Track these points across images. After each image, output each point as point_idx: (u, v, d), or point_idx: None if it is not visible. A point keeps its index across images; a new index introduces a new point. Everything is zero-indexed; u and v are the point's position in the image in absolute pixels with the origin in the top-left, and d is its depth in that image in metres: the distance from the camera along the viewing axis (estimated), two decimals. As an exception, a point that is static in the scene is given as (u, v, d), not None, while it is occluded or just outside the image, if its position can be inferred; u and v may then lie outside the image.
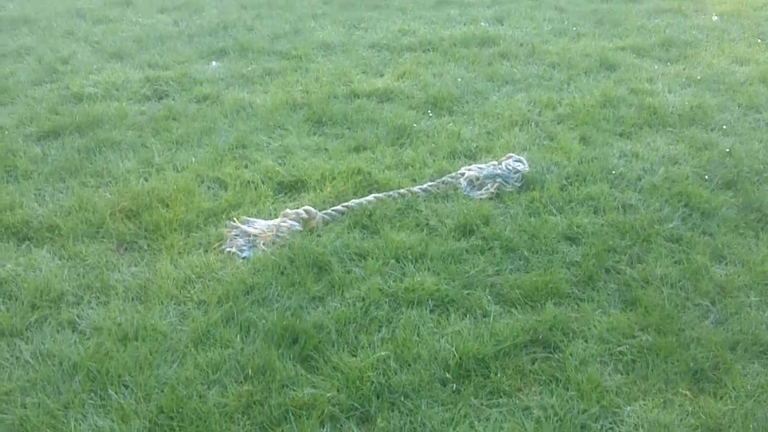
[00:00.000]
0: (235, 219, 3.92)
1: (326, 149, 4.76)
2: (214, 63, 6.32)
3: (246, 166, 4.54)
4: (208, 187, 4.32)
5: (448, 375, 2.90)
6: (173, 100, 5.62)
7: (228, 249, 3.73)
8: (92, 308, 3.32)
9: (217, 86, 5.82)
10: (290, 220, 3.91)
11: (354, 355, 2.99)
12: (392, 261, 3.59)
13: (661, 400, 2.81)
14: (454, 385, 2.86)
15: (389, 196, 4.17)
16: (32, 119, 5.29)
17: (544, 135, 4.94)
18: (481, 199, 4.21)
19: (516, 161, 4.46)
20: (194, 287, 3.43)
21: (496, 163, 4.45)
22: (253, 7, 7.79)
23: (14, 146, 4.86)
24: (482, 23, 7.08)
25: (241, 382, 2.88)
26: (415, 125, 5.06)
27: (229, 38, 6.88)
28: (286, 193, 4.28)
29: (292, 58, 6.35)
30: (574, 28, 6.90)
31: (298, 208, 4.00)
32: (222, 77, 6.00)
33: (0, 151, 4.77)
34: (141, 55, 6.52)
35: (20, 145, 4.89)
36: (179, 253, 3.69)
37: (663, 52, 6.34)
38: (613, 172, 4.42)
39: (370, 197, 4.15)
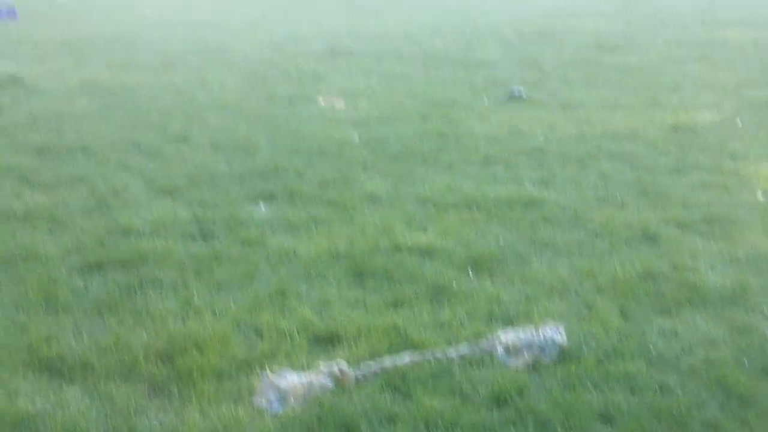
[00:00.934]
0: (268, 370, 3.87)
1: (365, 303, 4.74)
2: (262, 206, 6.39)
3: (283, 315, 4.52)
4: (244, 335, 4.30)
5: None
6: (219, 240, 5.67)
7: (258, 402, 3.68)
8: (116, 454, 3.26)
9: (263, 230, 5.87)
10: (323, 375, 3.86)
11: None
12: (422, 427, 3.51)
13: None
14: None
15: (424, 357, 4.11)
16: (78, 250, 5.35)
17: (582, 305, 4.88)
18: (516, 368, 4.14)
19: (554, 331, 4.40)
20: (220, 441, 3.37)
21: (533, 330, 4.39)
22: (305, 152, 7.92)
23: (57, 276, 4.91)
24: (527, 184, 7.12)
25: None
26: (454, 284, 5.04)
27: (278, 182, 6.98)
28: (320, 347, 4.24)
29: (339, 207, 6.41)
30: (618, 197, 6.90)
31: (331, 362, 3.96)
32: (268, 221, 6.05)
33: (42, 281, 4.81)
34: (191, 193, 6.63)
35: (63, 275, 4.94)
36: (209, 402, 3.64)
37: (706, 227, 6.30)
38: (652, 350, 4.33)
39: (405, 357, 4.10)
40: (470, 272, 5.27)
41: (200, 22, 18.04)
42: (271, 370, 3.87)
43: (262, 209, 6.35)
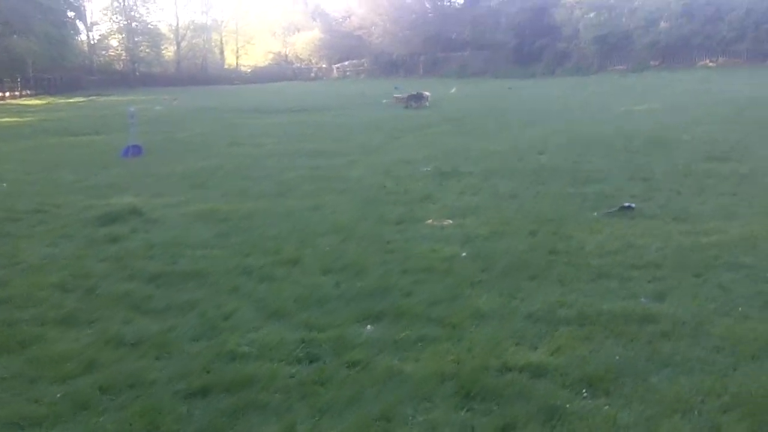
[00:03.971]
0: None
1: (473, 427, 4.45)
2: (369, 327, 6.20)
3: (388, 442, 4.27)
4: (347, 464, 4.05)
5: None
6: (324, 363, 5.49)
7: None
8: None
9: (370, 351, 5.66)
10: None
11: None
12: None
13: None
14: None
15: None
16: (184, 376, 5.25)
17: (708, 426, 4.46)
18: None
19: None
20: None
21: (655, 455, 4.00)
22: (413, 272, 7.74)
23: (161, 403, 4.79)
24: (642, 299, 6.73)
25: None
26: (568, 406, 4.70)
27: (386, 302, 6.79)
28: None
29: (447, 326, 6.16)
30: (740, 309, 6.44)
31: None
32: (375, 342, 5.84)
33: (146, 408, 4.69)
34: (300, 315, 6.50)
35: (168, 401, 4.81)
36: None
37: (837, 338, 5.78)
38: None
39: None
40: (585, 392, 4.92)
41: (315, 151, 18.35)
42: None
43: (369, 330, 6.14)
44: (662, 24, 58.24)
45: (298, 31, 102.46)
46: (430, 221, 10.22)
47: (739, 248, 8.40)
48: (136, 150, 18.19)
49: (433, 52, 78.23)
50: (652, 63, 58.80)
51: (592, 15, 62.06)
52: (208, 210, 11.16)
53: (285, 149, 19.10)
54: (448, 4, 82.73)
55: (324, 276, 7.76)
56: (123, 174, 15.30)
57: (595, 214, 10.44)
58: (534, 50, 68.30)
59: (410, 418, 4.57)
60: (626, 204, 10.69)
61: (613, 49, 61.55)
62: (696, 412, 4.64)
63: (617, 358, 5.49)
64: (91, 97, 57.39)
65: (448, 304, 6.76)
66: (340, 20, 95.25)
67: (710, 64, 55.19)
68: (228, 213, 10.96)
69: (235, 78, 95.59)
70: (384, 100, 39.31)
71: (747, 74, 45.08)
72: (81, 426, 4.53)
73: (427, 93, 35.73)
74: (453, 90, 46.92)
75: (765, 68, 49.09)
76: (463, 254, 8.44)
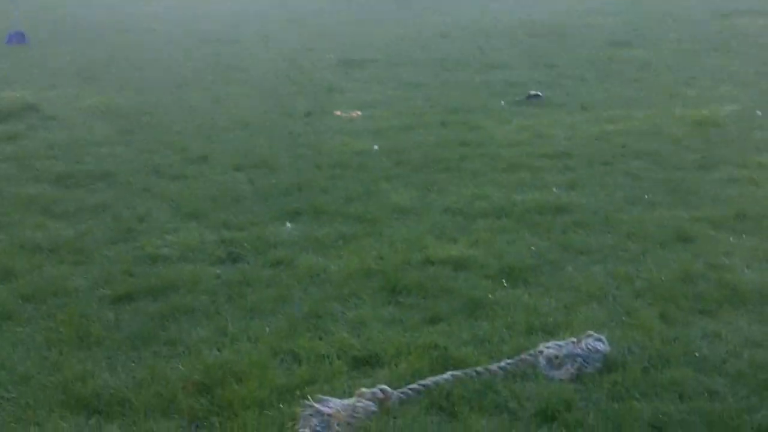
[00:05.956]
0: (309, 397, 3.79)
1: (401, 321, 4.67)
2: (288, 225, 6.32)
3: (320, 338, 4.45)
4: (282, 361, 4.23)
5: None
6: (248, 263, 5.60)
7: (302, 430, 3.59)
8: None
9: (292, 250, 5.79)
10: (366, 399, 3.78)
11: None
12: (472, 450, 3.43)
13: None
14: None
15: (466, 374, 4.03)
16: (107, 281, 5.29)
17: (622, 311, 4.79)
18: (561, 380, 4.05)
19: (596, 340, 4.30)
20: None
21: (575, 341, 4.29)
22: (328, 167, 7.85)
23: (87, 310, 4.85)
24: (554, 189, 7.02)
25: None
26: (490, 296, 4.96)
27: (303, 199, 6.90)
28: (360, 369, 4.17)
29: (366, 222, 6.33)
30: (647, 197, 6.80)
31: (373, 386, 3.87)
32: (296, 240, 5.98)
33: (73, 316, 4.74)
34: (216, 215, 6.56)
35: (94, 309, 4.88)
36: (253, 433, 3.57)
37: (739, 223, 6.20)
38: (696, 354, 4.25)
39: (447, 375, 4.01)
40: (505, 283, 5.19)
41: (210, 37, 17.96)
42: (313, 397, 3.78)
43: (289, 228, 6.27)
44: None
45: None
46: (338, 113, 10.26)
47: (645, 135, 8.80)
48: (19, 37, 17.49)
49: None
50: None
51: None
52: (105, 104, 10.94)
53: (178, 35, 18.60)
54: None
55: (236, 172, 7.79)
56: (9, 65, 14.73)
57: (503, 103, 10.67)
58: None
59: (339, 315, 4.75)
60: (534, 92, 10.92)
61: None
62: (610, 298, 4.95)
63: (533, 248, 5.77)
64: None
65: (365, 199, 6.91)
66: None
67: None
68: (128, 108, 10.77)
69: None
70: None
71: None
72: (6, 337, 4.56)
73: None
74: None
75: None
76: (375, 147, 8.57)
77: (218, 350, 4.34)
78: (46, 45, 17.13)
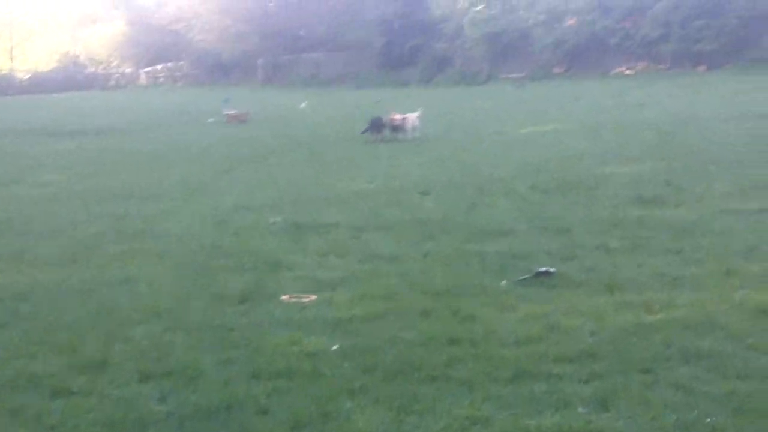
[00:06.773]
0: None
1: None
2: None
3: None
4: None
5: None
6: None
7: None
8: None
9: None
10: None
11: None
12: None
13: None
14: None
15: None
16: None
17: None
18: None
19: None
20: None
21: None
22: (268, 376, 7.46)
23: None
24: (579, 408, 6.64)
25: None
26: None
27: (232, 425, 6.50)
28: None
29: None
30: (708, 420, 6.42)
31: None
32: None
33: None
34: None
35: None
36: None
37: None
38: None
39: None
40: None
41: (120, 191, 17.93)
42: None
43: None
44: (569, 20, 60.21)
45: (94, 23, 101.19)
46: (285, 297, 10.03)
47: (695, 329, 8.47)
48: None
49: (275, 53, 78.51)
50: (555, 70, 60.71)
51: (479, 8, 63.63)
52: (-27, 284, 10.67)
53: (78, 190, 18.65)
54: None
55: (143, 385, 7.46)
56: None
57: (504, 282, 10.41)
58: (407, 52, 69.58)
59: None
60: (543, 268, 10.70)
61: (507, 52, 63.23)
62: None
63: None
64: None
65: (318, 425, 6.57)
66: (151, 10, 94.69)
67: (627, 72, 57.29)
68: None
69: (7, 87, 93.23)
70: (210, 119, 39.12)
71: (670, 84, 47.07)
72: None
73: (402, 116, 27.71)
74: (303, 105, 47.05)
75: (692, 76, 51.44)
76: (334, 347, 8.26)
77: None
78: None
